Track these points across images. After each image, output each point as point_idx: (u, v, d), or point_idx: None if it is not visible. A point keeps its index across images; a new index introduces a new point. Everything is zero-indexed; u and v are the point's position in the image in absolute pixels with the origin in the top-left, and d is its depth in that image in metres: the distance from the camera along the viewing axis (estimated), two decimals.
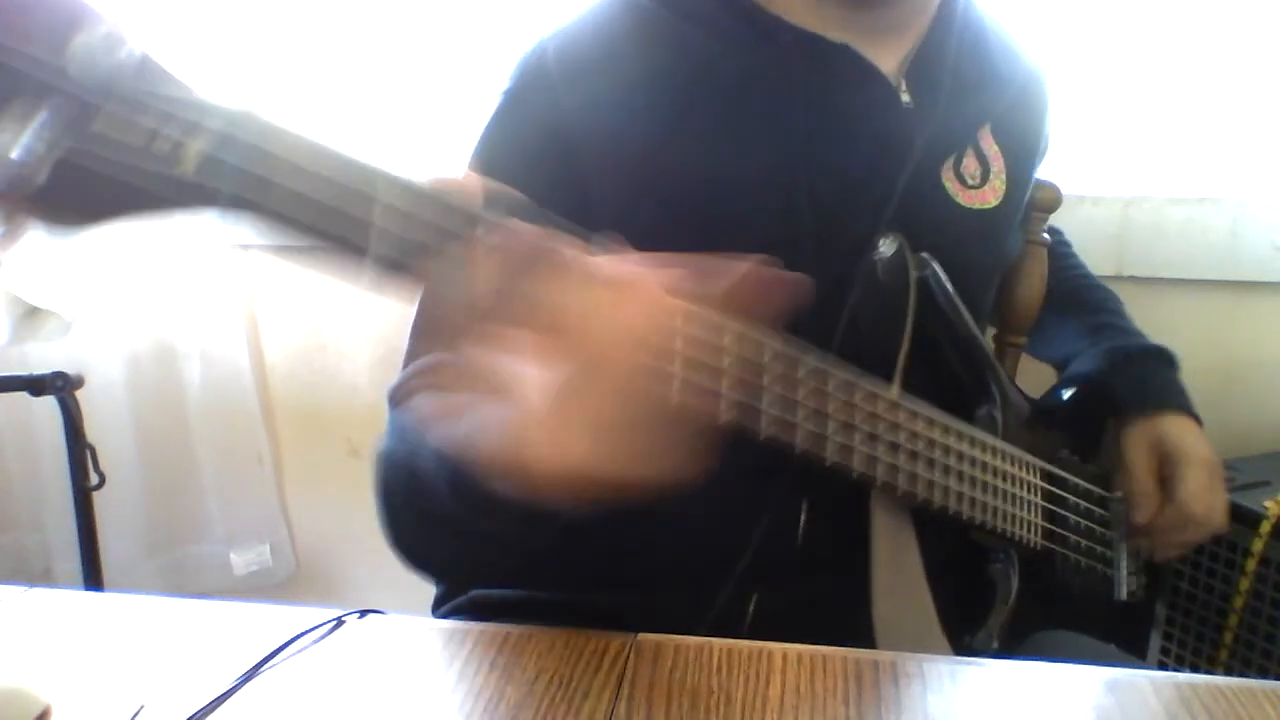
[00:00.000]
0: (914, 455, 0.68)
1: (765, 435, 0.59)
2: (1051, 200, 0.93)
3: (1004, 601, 0.79)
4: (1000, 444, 0.77)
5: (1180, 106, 1.27)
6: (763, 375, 0.58)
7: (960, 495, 0.72)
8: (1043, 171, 0.93)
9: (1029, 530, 0.79)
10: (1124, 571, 0.89)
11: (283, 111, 0.39)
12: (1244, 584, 1.07)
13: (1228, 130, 1.27)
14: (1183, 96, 1.27)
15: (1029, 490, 0.80)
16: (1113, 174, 1.29)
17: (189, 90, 0.36)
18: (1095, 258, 1.16)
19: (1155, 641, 1.16)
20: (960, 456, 0.72)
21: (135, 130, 0.35)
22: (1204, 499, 0.85)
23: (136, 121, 0.35)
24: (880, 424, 0.65)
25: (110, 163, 0.34)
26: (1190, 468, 0.85)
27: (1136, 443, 0.87)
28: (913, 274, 0.73)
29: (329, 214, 0.39)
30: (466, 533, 0.59)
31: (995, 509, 0.75)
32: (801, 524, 0.74)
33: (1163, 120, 1.28)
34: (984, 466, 0.74)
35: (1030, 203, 0.92)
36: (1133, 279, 1.27)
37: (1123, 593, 0.89)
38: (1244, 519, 1.03)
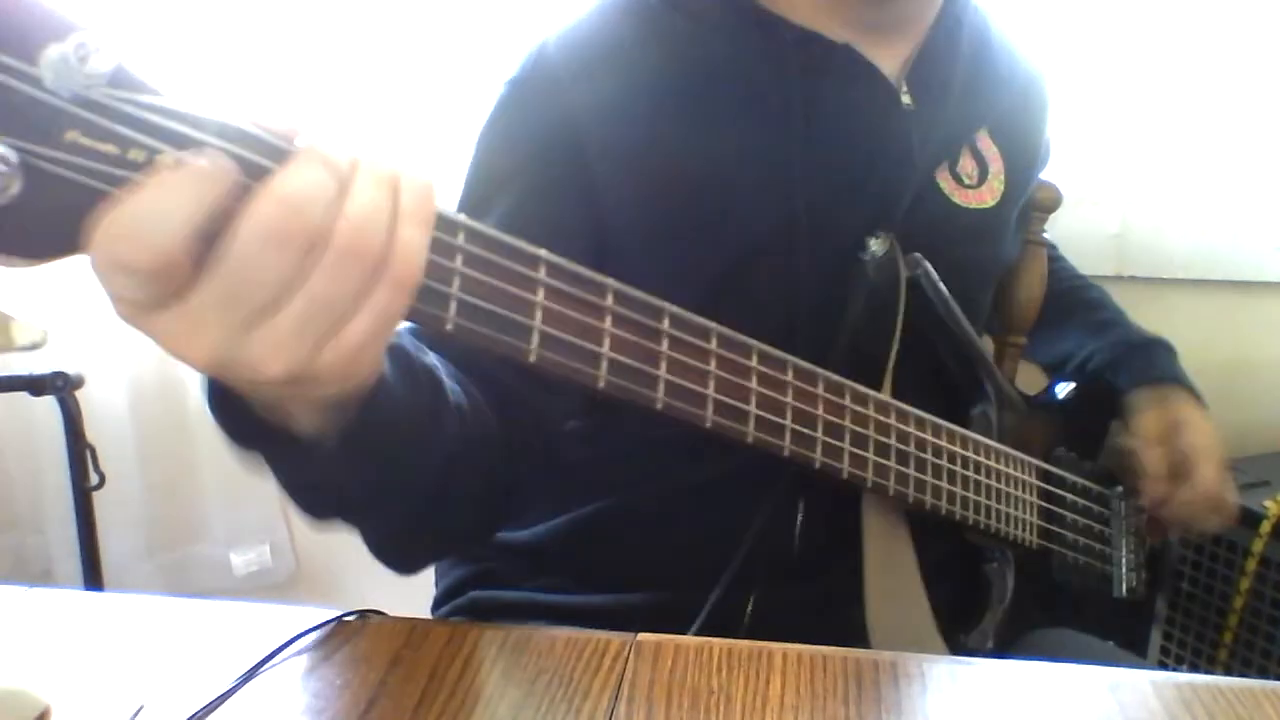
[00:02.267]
0: (904, 456, 0.68)
1: (753, 439, 0.59)
2: (1051, 200, 0.93)
3: (999, 601, 0.79)
4: (994, 443, 0.76)
5: (1180, 107, 1.27)
6: (749, 378, 0.58)
7: (952, 495, 0.72)
8: (1043, 171, 0.92)
9: (1024, 529, 0.79)
10: (1123, 569, 0.89)
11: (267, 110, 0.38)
12: (1244, 584, 1.07)
13: (1228, 130, 1.27)
14: (1183, 97, 1.27)
15: (1024, 489, 0.79)
16: (1113, 174, 1.29)
17: (164, 98, 0.35)
18: (1095, 258, 1.16)
19: (1155, 640, 1.16)
20: (952, 456, 0.72)
21: (110, 139, 0.34)
22: (1217, 474, 0.85)
23: (111, 130, 0.34)
24: (869, 425, 0.65)
25: (84, 171, 0.34)
26: (1205, 446, 0.86)
27: (1148, 419, 0.87)
28: (904, 273, 0.73)
29: None
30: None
31: (989, 508, 0.75)
32: (798, 525, 0.74)
33: (1163, 121, 1.28)
34: (976, 466, 0.74)
35: (1030, 203, 0.92)
36: (1133, 279, 1.27)
37: (1122, 590, 0.89)
38: (1244, 519, 1.04)
